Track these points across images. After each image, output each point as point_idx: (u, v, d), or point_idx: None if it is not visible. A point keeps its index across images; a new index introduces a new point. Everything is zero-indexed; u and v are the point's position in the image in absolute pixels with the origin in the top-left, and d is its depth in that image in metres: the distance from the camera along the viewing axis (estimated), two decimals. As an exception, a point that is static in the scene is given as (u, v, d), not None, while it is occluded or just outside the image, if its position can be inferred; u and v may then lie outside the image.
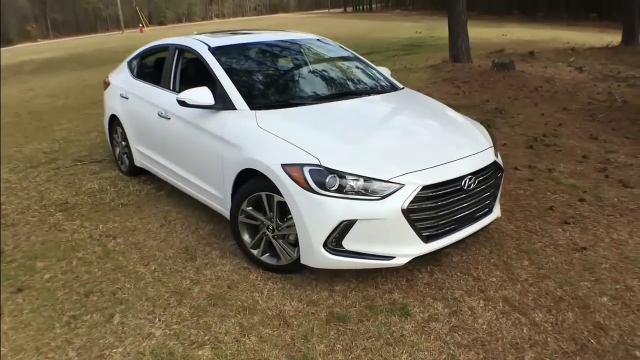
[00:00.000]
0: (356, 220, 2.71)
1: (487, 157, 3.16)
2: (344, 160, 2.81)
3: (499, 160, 3.35)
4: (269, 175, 2.91)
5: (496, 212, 3.32)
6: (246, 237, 3.24)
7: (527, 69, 9.89)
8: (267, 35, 4.35)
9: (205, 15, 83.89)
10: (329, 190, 2.71)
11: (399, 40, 20.16)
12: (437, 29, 22.88)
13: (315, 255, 2.82)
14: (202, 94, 3.39)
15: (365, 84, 4.05)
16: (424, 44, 17.76)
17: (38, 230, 3.99)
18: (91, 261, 3.46)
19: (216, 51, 3.79)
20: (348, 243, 2.77)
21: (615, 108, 6.98)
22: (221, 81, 3.50)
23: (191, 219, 4.04)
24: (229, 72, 3.57)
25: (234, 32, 4.48)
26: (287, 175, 2.81)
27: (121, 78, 4.97)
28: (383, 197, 2.70)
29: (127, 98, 4.69)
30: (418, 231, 2.79)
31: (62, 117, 8.44)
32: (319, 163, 2.76)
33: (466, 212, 3.00)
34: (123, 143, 4.94)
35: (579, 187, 4.38)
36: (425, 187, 2.76)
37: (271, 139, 3.03)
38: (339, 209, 2.70)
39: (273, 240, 3.11)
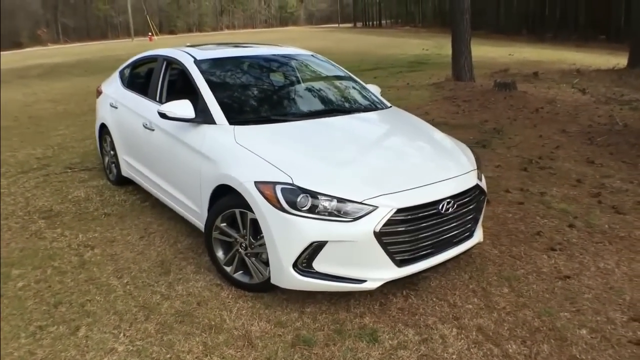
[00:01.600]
0: (327, 241, 2.64)
1: (469, 180, 3.09)
2: (317, 179, 2.75)
3: (482, 184, 3.27)
4: (242, 192, 2.86)
5: (478, 237, 3.24)
6: (220, 254, 3.18)
7: (529, 90, 9.81)
8: (258, 49, 4.34)
9: (215, 26, 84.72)
10: (301, 210, 2.65)
11: (406, 57, 20.17)
12: (444, 46, 22.85)
13: (285, 275, 2.75)
14: (182, 107, 3.37)
15: (352, 101, 4.00)
16: (429, 62, 17.74)
17: (19, 237, 3.96)
18: (66, 271, 3.41)
19: (201, 64, 3.77)
20: (319, 265, 2.71)
21: (615, 132, 6.88)
22: (203, 94, 3.47)
23: (171, 232, 3.99)
24: (212, 85, 3.55)
25: (226, 45, 4.48)
26: (259, 193, 2.76)
27: (112, 87, 4.97)
28: (355, 219, 2.64)
29: (116, 107, 4.68)
30: (391, 255, 2.71)
31: (60, 123, 8.49)
32: (291, 182, 2.71)
33: (444, 237, 2.92)
34: (112, 152, 4.92)
35: (569, 212, 4.29)
36: (399, 210, 2.69)
37: (247, 155, 2.98)
38: (309, 229, 2.64)
39: (246, 258, 3.04)
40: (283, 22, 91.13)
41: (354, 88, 4.22)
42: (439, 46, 24.85)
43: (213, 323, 2.81)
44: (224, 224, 3.09)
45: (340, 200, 2.66)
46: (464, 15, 10.33)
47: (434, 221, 2.83)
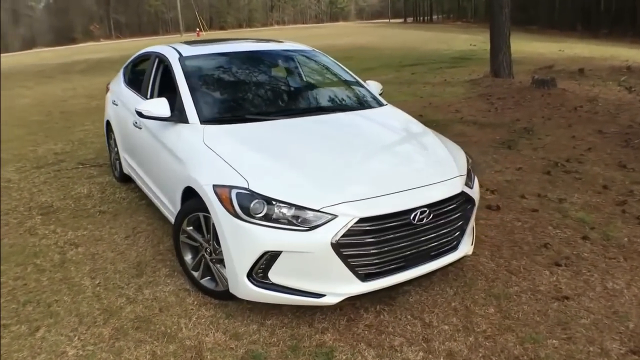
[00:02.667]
0: (281, 251, 2.46)
1: (451, 187, 2.80)
2: (276, 184, 2.57)
3: (472, 191, 2.97)
4: (202, 196, 2.73)
5: (464, 250, 2.94)
6: (188, 258, 3.07)
7: (571, 87, 9.14)
8: (252, 45, 4.18)
9: (265, 22, 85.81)
10: (254, 217, 2.48)
11: (451, 52, 19.49)
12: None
13: (240, 285, 2.59)
14: (158, 106, 3.27)
15: (341, 99, 3.78)
16: (473, 57, 17.01)
17: (13, 232, 4.02)
18: (45, 269, 3.41)
19: (186, 60, 3.66)
20: (274, 276, 2.52)
21: (659, 133, 6.25)
22: (180, 92, 3.37)
23: (158, 232, 3.92)
24: (193, 83, 3.43)
25: (225, 41, 4.35)
26: (216, 197, 2.60)
27: (116, 84, 4.99)
28: (311, 229, 2.43)
29: (117, 105, 4.69)
30: (353, 268, 2.49)
31: (88, 118, 8.72)
32: (246, 186, 2.54)
33: (418, 249, 2.66)
34: (115, 149, 4.94)
35: (587, 222, 3.88)
36: (362, 220, 2.46)
37: (211, 156, 2.84)
38: (263, 238, 2.46)
39: (211, 264, 2.91)
40: (333, 18, 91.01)
41: (347, 85, 3.98)
42: (487, 42, 23.89)
43: (169, 331, 2.70)
44: (190, 228, 2.97)
45: (298, 207, 2.47)
46: (503, 10, 9.76)
47: (405, 232, 2.57)
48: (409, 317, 2.76)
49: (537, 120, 7.17)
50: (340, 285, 2.51)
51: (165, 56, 3.84)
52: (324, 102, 3.76)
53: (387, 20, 65.36)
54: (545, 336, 2.57)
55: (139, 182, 4.30)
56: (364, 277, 2.54)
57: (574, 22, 30.07)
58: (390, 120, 3.57)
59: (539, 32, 26.59)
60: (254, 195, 2.50)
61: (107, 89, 5.32)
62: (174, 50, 3.85)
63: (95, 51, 32.41)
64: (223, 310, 2.86)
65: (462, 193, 2.83)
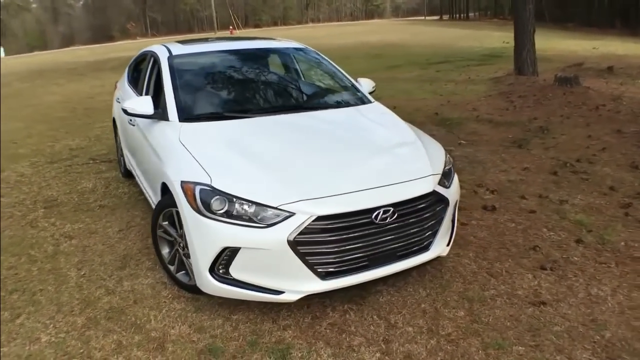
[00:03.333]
0: (240, 248, 2.47)
1: (420, 186, 2.73)
2: (239, 181, 2.58)
3: (447, 191, 2.89)
4: (172, 191, 2.77)
5: (436, 251, 2.87)
6: (165, 252, 3.12)
7: (596, 85, 8.75)
8: (243, 43, 4.21)
9: (300, 19, 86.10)
10: (215, 213, 2.50)
11: (481, 50, 19.03)
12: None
13: (203, 280, 2.62)
14: (143, 103, 3.35)
15: (325, 97, 3.76)
16: (503, 55, 16.52)
17: (16, 224, 4.20)
18: (37, 260, 3.55)
19: (175, 59, 3.73)
20: (235, 272, 2.54)
21: (684, 134, 5.91)
22: (164, 90, 3.43)
23: (149, 226, 4.01)
24: (176, 81, 3.49)
25: (219, 40, 4.40)
26: (183, 193, 2.65)
27: (121, 82, 5.13)
28: (269, 226, 2.44)
29: (119, 102, 4.82)
30: (311, 266, 2.48)
31: (109, 115, 8.90)
32: (209, 183, 2.57)
33: (383, 249, 2.62)
34: (120, 145, 5.08)
35: (585, 225, 3.72)
36: (320, 218, 2.44)
37: (183, 153, 2.88)
38: (222, 234, 2.48)
39: (184, 258, 2.95)
40: (369, 15, 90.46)
41: (335, 83, 3.95)
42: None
43: (138, 322, 2.76)
44: (166, 223, 3.02)
45: (257, 205, 2.47)
46: (527, 5, 9.45)
47: (367, 231, 2.53)
48: (374, 317, 2.72)
49: (554, 119, 6.92)
50: (299, 282, 2.51)
51: (157, 55, 3.92)
52: (307, 99, 3.76)
53: (423, 18, 64.45)
54: (511, 342, 2.48)
55: (136, 178, 4.41)
56: (324, 276, 2.52)
57: (613, 20, 28.78)
58: (370, 118, 3.52)
59: (576, 29, 25.61)
60: (215, 191, 2.53)
61: (115, 87, 5.48)
62: (165, 49, 3.93)
63: (129, 49, 33.27)
64: (194, 304, 2.90)
65: (434, 193, 2.77)
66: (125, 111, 3.37)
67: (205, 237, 2.53)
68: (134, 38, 61.80)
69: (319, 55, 4.28)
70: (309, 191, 2.51)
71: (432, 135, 6.48)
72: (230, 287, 2.57)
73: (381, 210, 2.53)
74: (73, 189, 4.98)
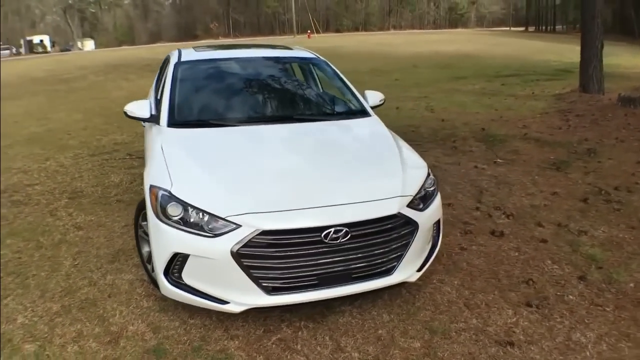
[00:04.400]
0: (189, 255, 2.50)
1: (382, 208, 2.61)
2: (197, 190, 2.62)
3: (417, 214, 2.72)
4: (145, 194, 2.87)
5: (401, 276, 2.72)
6: (144, 251, 3.22)
7: (669, 106, 7.93)
8: (254, 51, 4.26)
9: (382, 26, 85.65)
10: (170, 219, 2.55)
11: (558, 64, 17.87)
12: (608, 55, 19.73)
13: (159, 282, 2.67)
14: (141, 107, 3.49)
15: (321, 108, 3.71)
16: (577, 70, 15.51)
17: (38, 211, 4.54)
18: (42, 246, 3.80)
19: (182, 65, 3.85)
20: (187, 277, 2.58)
21: None
22: (163, 95, 3.56)
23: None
24: (174, 87, 3.60)
25: (234, 47, 4.49)
26: (149, 196, 2.73)
27: (153, 85, 5.39)
28: (216, 236, 2.45)
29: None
30: (256, 280, 2.45)
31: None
32: (169, 189, 2.63)
33: (334, 270, 2.53)
34: (147, 145, 5.33)
35: (596, 260, 3.38)
36: (265, 232, 2.41)
37: (160, 157, 2.97)
38: (173, 239, 2.53)
39: (155, 259, 3.03)
40: (452, 24, 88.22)
41: (337, 94, 3.89)
42: (605, 54, 21.58)
43: (104, 315, 2.87)
44: (145, 223, 3.12)
45: (208, 214, 2.49)
46: (595, 20, 8.77)
47: (316, 250, 2.46)
48: (326, 337, 2.63)
49: (607, 141, 6.35)
50: (243, 295, 2.49)
51: (170, 59, 4.08)
52: (301, 110, 3.72)
53: (508, 29, 61.82)
54: (460, 382, 2.31)
55: None
56: (270, 290, 2.48)
57: None
58: (357, 133, 3.43)
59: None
60: (172, 198, 2.58)
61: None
62: (177, 54, 4.07)
63: None
64: (160, 304, 2.96)
65: (398, 215, 2.63)
66: (125, 113, 3.54)
67: (160, 241, 2.59)
68: (216, 38, 64.86)
69: (328, 65, 4.23)
70: (258, 205, 2.49)
71: (470, 152, 6.32)
72: (181, 291, 2.60)
73: (332, 230, 2.45)
74: (100, 182, 5.30)
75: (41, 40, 63.58)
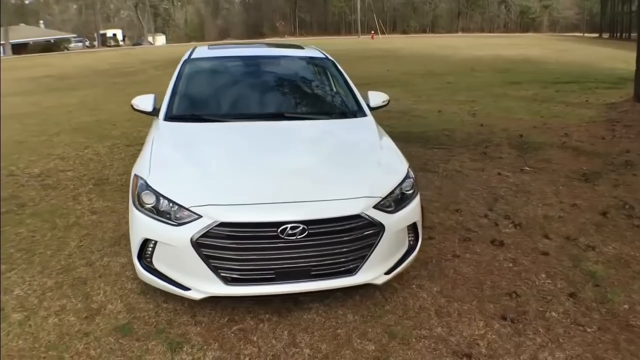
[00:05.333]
0: (157, 241, 2.62)
1: (344, 207, 2.59)
2: (170, 180, 2.74)
3: (384, 216, 2.68)
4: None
5: (366, 277, 2.69)
6: (135, 236, 3.39)
7: None
8: (263, 50, 4.35)
9: (450, 28, 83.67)
10: (144, 207, 2.68)
11: (624, 72, 16.57)
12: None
13: (135, 266, 2.81)
14: (145, 101, 3.67)
15: (314, 107, 3.75)
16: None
17: (63, 196, 4.86)
18: (56, 227, 4.07)
19: (191, 62, 4.01)
20: (157, 262, 2.69)
21: None
22: (167, 90, 3.72)
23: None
24: (178, 82, 3.76)
25: (243, 46, 4.60)
26: (131, 185, 2.89)
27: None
28: (179, 224, 2.54)
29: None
30: (215, 269, 2.53)
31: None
32: (145, 179, 2.76)
33: (292, 265, 2.56)
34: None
35: (596, 278, 3.18)
36: (223, 224, 2.48)
37: (148, 149, 3.14)
38: (144, 226, 2.66)
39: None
40: (523, 28, 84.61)
41: (335, 94, 3.90)
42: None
43: (90, 293, 3.06)
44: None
45: (174, 204, 2.59)
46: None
47: (272, 245, 2.50)
48: (285, 332, 2.66)
49: (651, 154, 5.90)
50: (203, 283, 2.57)
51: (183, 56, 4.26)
52: (294, 109, 3.75)
53: (582, 34, 58.49)
54: (404, 387, 2.26)
55: None
56: (228, 281, 2.55)
57: None
58: (346, 132, 3.42)
59: None
60: (147, 186, 2.71)
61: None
62: (190, 51, 4.24)
63: None
64: (142, 287, 3.10)
65: (360, 216, 2.60)
66: (132, 106, 3.73)
67: (133, 227, 2.74)
68: (282, 36, 66.22)
69: (334, 66, 4.21)
70: (221, 197, 2.57)
71: (499, 159, 6.11)
72: (152, 276, 2.72)
73: (289, 226, 2.47)
74: (127, 171, 5.56)
75: (114, 34, 67.63)
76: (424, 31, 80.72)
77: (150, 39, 71.07)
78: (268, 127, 3.39)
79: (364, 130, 3.46)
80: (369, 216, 2.61)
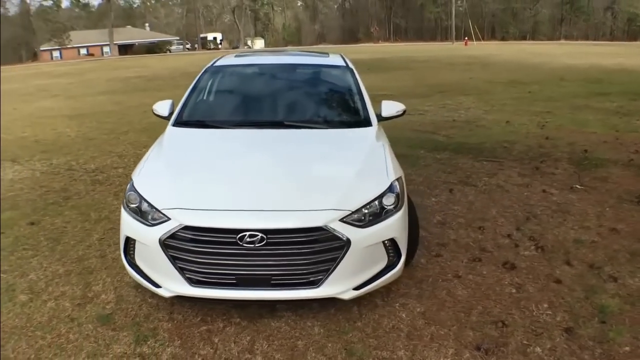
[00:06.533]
0: (135, 239, 2.77)
1: (304, 219, 2.56)
2: (153, 183, 2.90)
3: (354, 231, 2.60)
4: None
5: (331, 291, 2.63)
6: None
7: None
8: (285, 58, 4.40)
9: (551, 35, 78.41)
10: (129, 206, 2.84)
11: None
12: None
13: (122, 261, 2.98)
14: (163, 106, 3.88)
15: (320, 116, 3.73)
16: None
17: (106, 191, 5.20)
18: (88, 220, 4.39)
19: (209, 69, 4.18)
20: (138, 260, 2.85)
21: None
22: (184, 96, 3.91)
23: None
24: (195, 88, 3.93)
25: (270, 53, 4.69)
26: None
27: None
28: (153, 225, 2.67)
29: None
30: (181, 270, 2.62)
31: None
32: (134, 179, 2.94)
33: (253, 273, 2.58)
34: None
35: (605, 313, 2.86)
36: (187, 228, 2.57)
37: (149, 153, 3.32)
38: (126, 225, 2.82)
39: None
40: (631, 36, 76.95)
41: (345, 103, 3.85)
42: None
43: (91, 283, 3.30)
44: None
45: (150, 205, 2.72)
46: None
47: (233, 251, 2.54)
48: (247, 338, 2.68)
49: None
50: (171, 282, 2.67)
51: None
52: (297, 117, 3.72)
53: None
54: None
55: None
56: (194, 282, 2.63)
57: None
58: (340, 142, 3.35)
59: None
60: (133, 188, 2.88)
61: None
62: (216, 59, 4.41)
63: (360, 51, 35.64)
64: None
65: (325, 229, 2.55)
66: (152, 111, 3.97)
67: (121, 224, 2.91)
68: (376, 42, 66.14)
69: (352, 75, 4.12)
70: (190, 202, 2.66)
71: (550, 175, 5.74)
72: (133, 271, 2.88)
73: (247, 234, 2.50)
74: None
75: (214, 38, 71.66)
76: (524, 38, 76.37)
77: (249, 42, 74.26)
78: (263, 135, 3.44)
79: (359, 141, 3.37)
80: (333, 229, 2.56)
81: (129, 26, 74.72)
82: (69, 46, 58.46)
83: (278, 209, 2.60)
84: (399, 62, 25.04)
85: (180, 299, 2.89)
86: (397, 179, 2.96)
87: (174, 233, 2.58)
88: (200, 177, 2.94)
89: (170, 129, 3.61)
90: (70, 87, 17.96)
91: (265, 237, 2.50)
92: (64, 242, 3.96)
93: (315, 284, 2.62)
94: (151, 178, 2.95)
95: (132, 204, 2.83)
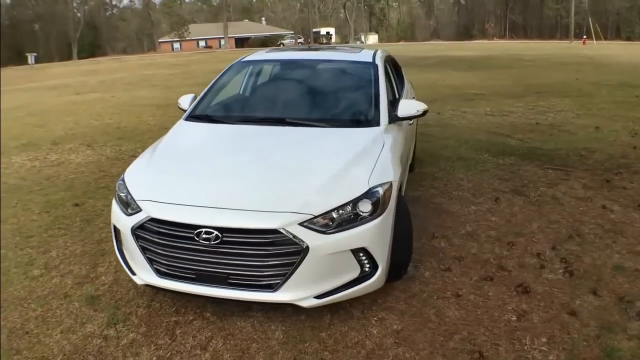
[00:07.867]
0: (119, 229, 2.88)
1: (261, 220, 2.48)
2: (139, 175, 3.00)
3: (315, 236, 2.47)
4: None
5: (287, 296, 2.53)
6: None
7: None
8: (315, 54, 4.29)
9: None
10: (119, 197, 2.97)
11: None
12: None
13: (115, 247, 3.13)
14: (185, 99, 3.98)
15: (329, 114, 3.59)
16: None
17: (93, 184, 5.40)
18: (97, 215, 4.47)
19: (240, 64, 4.22)
20: (123, 247, 2.96)
21: None
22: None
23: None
24: (216, 83, 3.98)
25: (299, 50, 4.61)
26: None
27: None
28: (130, 214, 2.76)
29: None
30: (149, 260, 2.70)
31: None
32: (126, 170, 3.06)
33: (210, 270, 2.57)
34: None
35: (611, 357, 2.45)
36: (153, 220, 2.62)
37: (152, 146, 3.44)
38: (114, 214, 2.95)
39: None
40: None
41: (355, 102, 3.68)
42: None
43: (99, 264, 3.51)
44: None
45: (130, 195, 2.82)
46: None
47: (190, 247, 2.54)
48: (208, 334, 2.68)
49: None
50: (143, 271, 2.76)
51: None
52: (301, 114, 3.58)
53: None
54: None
55: None
56: (160, 273, 2.68)
57: None
58: (336, 142, 3.18)
59: None
60: (122, 181, 3.00)
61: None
62: (249, 54, 4.45)
63: (469, 49, 33.94)
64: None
65: (281, 232, 2.45)
66: (177, 105, 4.11)
67: (111, 214, 3.05)
68: (490, 39, 62.97)
69: (375, 72, 3.88)
70: (160, 194, 2.71)
71: (621, 189, 5.29)
72: (119, 256, 3.01)
73: (203, 230, 2.48)
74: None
75: (327, 32, 72.93)
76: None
77: (362, 37, 74.38)
78: (260, 132, 3.39)
79: (355, 142, 3.15)
80: (289, 232, 2.45)
81: (246, 20, 78.69)
82: (187, 38, 63.02)
83: (235, 208, 2.56)
84: (504, 60, 23.45)
85: (162, 289, 2.97)
86: (383, 185, 2.75)
87: (142, 224, 2.65)
88: (180, 171, 2.99)
89: (178, 123, 3.71)
90: (172, 77, 19.30)
91: (220, 235, 2.47)
92: (93, 224, 4.26)
93: (271, 287, 2.53)
94: (139, 170, 3.06)
95: (121, 193, 2.95)
